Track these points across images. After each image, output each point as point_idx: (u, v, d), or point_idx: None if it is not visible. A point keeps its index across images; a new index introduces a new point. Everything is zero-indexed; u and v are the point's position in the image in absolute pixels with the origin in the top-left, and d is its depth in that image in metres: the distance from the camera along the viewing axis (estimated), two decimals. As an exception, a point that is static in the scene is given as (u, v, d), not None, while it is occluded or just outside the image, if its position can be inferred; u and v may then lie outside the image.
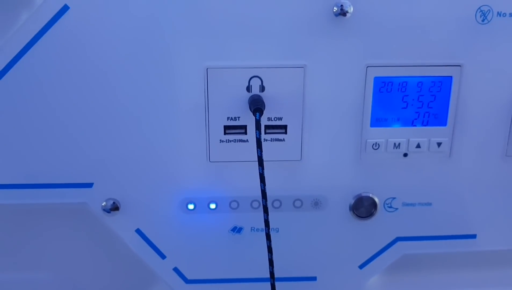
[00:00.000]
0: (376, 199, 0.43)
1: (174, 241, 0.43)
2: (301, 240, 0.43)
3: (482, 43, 0.39)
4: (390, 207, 0.43)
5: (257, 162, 0.38)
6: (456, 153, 0.42)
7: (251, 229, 0.43)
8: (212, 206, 0.42)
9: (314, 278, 0.46)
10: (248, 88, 0.39)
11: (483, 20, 0.39)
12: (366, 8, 0.37)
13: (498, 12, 0.39)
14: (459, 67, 0.40)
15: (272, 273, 0.39)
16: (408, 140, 0.41)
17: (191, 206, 0.42)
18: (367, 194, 0.43)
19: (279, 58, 0.39)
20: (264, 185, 0.37)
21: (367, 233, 0.44)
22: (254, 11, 0.37)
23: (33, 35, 0.37)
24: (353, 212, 0.43)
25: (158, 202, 0.42)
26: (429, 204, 0.44)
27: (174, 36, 0.37)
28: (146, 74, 0.38)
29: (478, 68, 0.40)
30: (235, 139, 0.40)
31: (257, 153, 0.37)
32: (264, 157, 0.37)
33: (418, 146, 0.41)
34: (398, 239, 0.45)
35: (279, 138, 0.41)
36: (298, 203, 0.43)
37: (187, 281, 0.45)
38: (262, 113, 0.37)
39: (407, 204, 0.44)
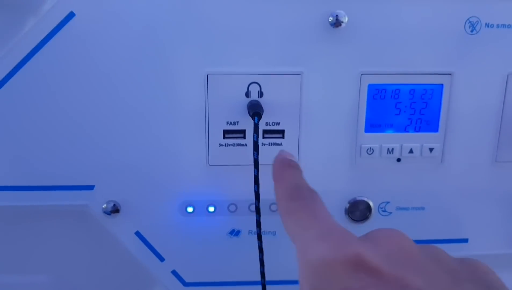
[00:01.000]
0: (371, 203, 0.44)
1: (173, 243, 0.44)
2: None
3: (471, 52, 0.41)
4: (384, 211, 0.45)
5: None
6: (447, 158, 0.43)
7: (249, 232, 0.44)
8: (211, 209, 0.43)
9: (309, 282, 0.46)
10: (247, 94, 0.40)
11: (472, 31, 0.40)
12: (361, 19, 0.39)
13: (486, 23, 0.40)
14: (449, 75, 0.41)
15: (262, 273, 0.39)
16: (401, 146, 0.42)
17: (190, 209, 0.43)
18: (362, 198, 0.44)
19: (277, 65, 0.40)
20: (258, 186, 0.38)
21: (362, 236, 0.45)
22: (254, 20, 0.39)
23: (39, 40, 0.38)
24: (348, 216, 0.44)
25: (157, 205, 0.43)
26: (422, 208, 0.45)
27: (176, 43, 0.39)
28: (149, 80, 0.39)
29: (468, 76, 0.41)
30: (234, 143, 0.41)
31: (254, 155, 0.38)
32: (262, 161, 0.38)
33: (411, 151, 0.43)
34: (392, 242, 0.46)
35: (277, 142, 0.42)
36: (294, 207, 0.44)
37: (185, 283, 0.45)
38: (261, 117, 0.38)
39: (401, 208, 0.45)
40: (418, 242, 0.47)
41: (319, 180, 0.43)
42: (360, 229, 0.44)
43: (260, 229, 0.38)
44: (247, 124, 0.41)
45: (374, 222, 0.44)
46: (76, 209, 0.42)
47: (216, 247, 0.44)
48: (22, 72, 0.39)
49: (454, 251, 0.46)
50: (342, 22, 0.39)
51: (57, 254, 0.45)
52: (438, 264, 0.24)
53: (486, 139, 0.43)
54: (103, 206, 0.42)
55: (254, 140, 0.37)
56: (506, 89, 0.42)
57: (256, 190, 0.36)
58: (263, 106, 0.40)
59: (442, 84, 0.41)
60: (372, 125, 0.42)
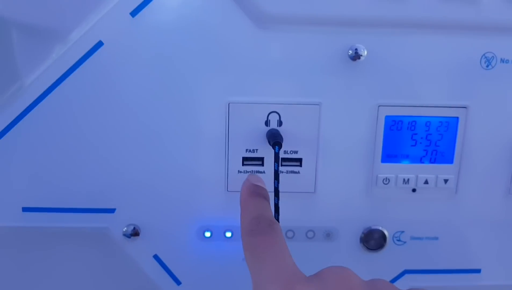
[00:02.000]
0: (386, 232, 0.45)
1: (190, 267, 0.44)
2: (312, 269, 0.44)
3: (487, 87, 0.42)
4: (399, 240, 0.45)
5: (272, 193, 0.39)
6: (462, 189, 0.44)
7: (265, 258, 0.45)
8: (228, 234, 0.44)
9: (323, 308, 0.47)
10: (267, 123, 0.41)
11: (487, 66, 0.41)
12: (379, 52, 0.40)
13: (501, 59, 0.41)
14: (465, 108, 0.42)
15: None
16: (417, 176, 0.43)
17: (207, 234, 0.44)
18: (377, 227, 0.45)
19: (296, 95, 0.41)
20: (278, 215, 0.39)
21: (377, 265, 0.45)
22: (274, 52, 0.40)
23: (68, 67, 0.39)
24: (363, 244, 0.45)
25: (176, 229, 0.43)
26: (436, 238, 0.45)
27: (200, 73, 0.40)
28: (172, 108, 0.41)
29: (483, 110, 0.42)
30: (252, 171, 0.42)
31: (274, 184, 0.38)
32: (280, 189, 0.39)
33: (426, 182, 0.43)
34: (406, 271, 0.46)
35: (294, 170, 0.43)
36: (310, 234, 0.44)
37: (200, 307, 0.46)
38: (281, 146, 0.39)
39: (415, 238, 0.45)
40: (431, 271, 0.48)
41: (335, 208, 0.44)
42: (374, 258, 0.45)
43: None
44: (265, 152, 0.42)
45: (389, 251, 0.45)
46: (97, 232, 0.43)
47: (232, 272, 0.45)
48: (49, 98, 0.40)
49: (467, 281, 0.47)
50: (361, 55, 0.40)
51: (75, 276, 0.45)
52: None
53: (500, 171, 0.44)
54: (124, 229, 0.43)
55: (274, 169, 0.38)
56: (520, 122, 0.43)
57: (277, 218, 0.37)
58: (282, 135, 0.41)
59: (457, 117, 0.42)
60: (389, 156, 0.43)
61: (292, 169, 0.43)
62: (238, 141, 0.42)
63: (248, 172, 0.42)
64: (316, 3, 0.39)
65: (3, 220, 0.42)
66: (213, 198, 0.43)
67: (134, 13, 0.38)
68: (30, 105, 0.40)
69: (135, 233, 0.43)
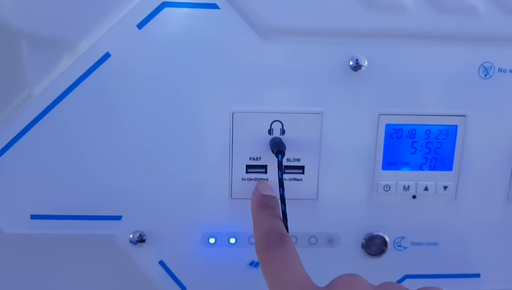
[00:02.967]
0: (387, 238, 0.45)
1: (195, 273, 0.45)
2: (315, 275, 0.45)
3: (485, 96, 0.43)
4: (400, 246, 0.46)
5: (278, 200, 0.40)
6: (461, 196, 0.45)
7: (268, 264, 0.46)
8: (232, 240, 0.45)
9: (325, 313, 0.47)
10: (270, 131, 0.42)
11: (485, 75, 0.42)
12: (379, 63, 0.41)
13: (499, 68, 0.42)
14: (463, 117, 0.43)
15: None
16: (417, 183, 0.44)
17: (212, 240, 0.45)
18: (378, 233, 0.45)
19: (299, 104, 0.42)
20: (286, 221, 0.40)
21: (378, 270, 0.46)
22: (278, 62, 0.41)
23: (76, 78, 0.40)
24: (365, 250, 0.46)
25: (181, 235, 0.44)
26: (436, 243, 0.46)
27: (205, 84, 0.41)
28: (178, 117, 0.41)
29: (481, 118, 0.43)
30: (256, 178, 0.43)
31: (280, 192, 0.39)
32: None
33: (426, 189, 0.44)
34: (407, 276, 0.47)
35: (297, 177, 0.43)
36: (313, 240, 0.45)
37: (205, 312, 0.47)
38: (284, 155, 0.40)
39: (415, 243, 0.46)
40: (431, 276, 0.49)
41: (337, 215, 0.45)
42: (376, 263, 0.46)
43: None
44: (268, 160, 0.43)
45: (390, 257, 0.46)
46: (104, 239, 0.44)
47: (236, 277, 0.46)
48: (58, 108, 0.41)
49: (467, 286, 0.48)
50: (362, 65, 0.41)
51: (82, 282, 0.46)
52: None
53: (499, 178, 0.45)
54: (130, 236, 0.43)
55: (279, 177, 0.39)
56: (518, 130, 0.44)
57: (285, 224, 0.38)
58: (284, 143, 0.42)
59: (456, 125, 0.43)
60: (389, 163, 0.44)
61: (294, 177, 0.43)
62: (242, 149, 0.43)
63: (251, 179, 0.43)
64: (318, 15, 0.40)
65: (12, 227, 0.43)
66: (218, 205, 0.44)
67: (140, 26, 0.39)
68: (39, 115, 0.41)
69: (141, 239, 0.43)
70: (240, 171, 0.43)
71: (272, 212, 0.37)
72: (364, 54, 0.41)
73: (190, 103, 0.41)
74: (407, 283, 0.47)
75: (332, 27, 0.40)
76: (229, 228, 0.45)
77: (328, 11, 0.40)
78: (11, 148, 0.42)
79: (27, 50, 0.41)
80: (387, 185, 0.44)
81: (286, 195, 0.41)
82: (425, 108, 0.43)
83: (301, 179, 0.43)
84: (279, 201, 0.39)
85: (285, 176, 0.43)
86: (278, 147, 0.40)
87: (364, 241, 0.45)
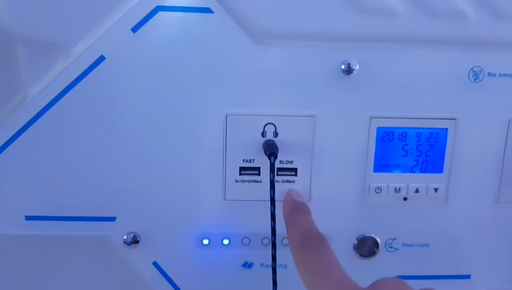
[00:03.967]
0: (378, 239, 0.46)
1: (188, 274, 0.46)
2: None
3: (475, 99, 0.43)
4: (391, 247, 0.46)
5: (268, 201, 0.41)
6: (451, 198, 0.45)
7: (261, 265, 0.46)
8: (225, 241, 0.45)
9: (318, 314, 0.48)
10: (263, 134, 0.43)
11: (475, 79, 0.43)
12: (371, 67, 0.42)
13: (488, 73, 0.43)
14: (454, 120, 0.44)
15: None
16: (408, 185, 0.45)
17: (205, 241, 0.45)
18: (370, 235, 0.46)
19: (291, 107, 0.42)
20: (275, 223, 0.40)
21: (369, 271, 0.47)
22: (271, 66, 0.41)
23: (70, 81, 0.41)
24: (357, 251, 0.46)
25: (175, 237, 0.45)
26: (427, 245, 0.47)
27: (199, 87, 0.41)
28: (172, 120, 0.42)
29: (471, 121, 0.44)
30: (249, 180, 0.44)
31: (270, 193, 0.40)
32: (276, 197, 0.41)
33: (417, 191, 0.45)
34: (398, 277, 0.47)
35: (290, 179, 0.44)
36: (305, 241, 0.46)
37: (198, 313, 0.47)
38: (276, 157, 0.40)
39: (406, 245, 0.46)
40: (422, 277, 0.49)
41: (329, 216, 0.46)
42: (367, 264, 0.47)
43: (276, 263, 0.40)
44: (262, 162, 0.43)
45: (381, 258, 0.46)
46: (98, 240, 0.44)
47: (229, 278, 0.46)
48: (52, 110, 0.41)
49: (458, 287, 0.48)
50: (354, 69, 0.41)
51: (76, 283, 0.46)
52: None
53: (489, 180, 0.45)
54: (124, 237, 0.44)
55: (270, 179, 0.39)
56: (507, 134, 0.44)
57: (273, 226, 0.38)
58: (277, 146, 0.42)
59: (446, 128, 0.44)
60: (380, 166, 0.44)
61: (287, 179, 0.44)
62: (236, 152, 0.43)
63: (245, 181, 0.44)
64: (311, 20, 0.40)
65: (6, 228, 0.43)
66: (211, 206, 0.44)
67: (135, 29, 0.40)
68: (33, 117, 0.41)
69: (135, 241, 0.44)
70: (233, 173, 0.44)
71: (306, 215, 0.37)
72: (355, 58, 0.41)
73: (184, 106, 0.42)
74: (398, 284, 0.47)
75: (324, 32, 0.41)
76: (222, 229, 0.45)
77: (320, 16, 0.40)
78: (5, 150, 0.42)
79: (23, 52, 0.41)
80: (378, 187, 0.45)
81: (279, 197, 0.42)
82: (416, 112, 0.43)
83: (293, 181, 0.44)
84: (270, 203, 0.40)
85: (278, 178, 0.44)
86: (271, 150, 0.41)
87: (356, 243, 0.46)
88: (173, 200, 0.44)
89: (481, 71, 0.43)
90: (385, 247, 0.46)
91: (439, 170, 0.45)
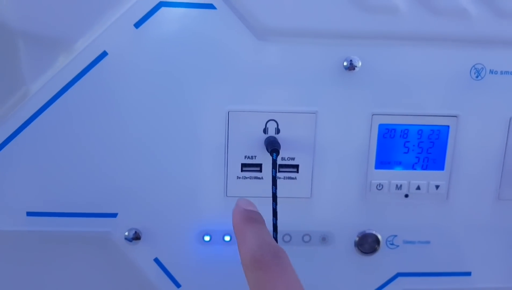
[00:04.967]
0: (379, 236, 0.46)
1: (189, 270, 0.46)
2: (308, 273, 0.46)
3: (476, 97, 0.43)
4: (392, 244, 0.47)
5: (270, 198, 0.40)
6: (453, 195, 0.45)
7: (262, 261, 0.46)
8: (227, 238, 0.45)
9: (319, 310, 0.48)
10: (265, 130, 0.43)
11: (477, 77, 0.43)
12: (373, 64, 0.42)
13: (490, 70, 0.43)
14: (455, 117, 0.44)
15: None
16: (409, 182, 0.45)
17: (207, 238, 0.45)
18: (371, 231, 0.46)
19: (293, 104, 0.43)
20: (276, 219, 0.40)
21: (370, 268, 0.47)
22: (273, 63, 0.41)
23: (72, 76, 0.41)
24: (358, 248, 0.46)
25: (176, 233, 0.45)
26: (428, 242, 0.47)
27: (201, 83, 0.41)
28: (173, 116, 0.42)
29: (473, 119, 0.44)
30: (251, 176, 0.44)
31: (272, 189, 0.40)
32: (277, 194, 0.40)
33: (418, 188, 0.45)
34: (399, 274, 0.47)
35: (291, 176, 0.44)
36: (307, 238, 0.46)
37: (199, 309, 0.47)
38: (278, 153, 0.40)
39: (408, 242, 0.47)
40: (423, 274, 0.49)
41: (331, 213, 0.46)
42: (368, 261, 0.47)
43: None
44: (263, 159, 0.43)
45: (382, 255, 0.46)
46: (99, 236, 0.44)
47: (230, 275, 0.46)
48: (54, 106, 0.41)
49: (458, 284, 0.48)
50: (356, 66, 0.42)
51: (77, 279, 0.46)
52: None
53: (490, 177, 0.45)
54: (125, 233, 0.44)
55: (272, 175, 0.39)
56: (508, 131, 0.44)
57: (275, 222, 0.38)
58: (279, 142, 0.42)
59: (448, 126, 0.44)
60: (382, 162, 0.44)
61: (289, 175, 0.44)
62: (237, 148, 0.43)
63: (247, 178, 0.44)
64: (313, 17, 0.40)
65: (8, 225, 0.43)
66: (213, 203, 0.44)
67: (137, 25, 0.40)
68: (35, 113, 0.41)
69: (136, 237, 0.44)
70: (235, 169, 0.44)
71: (260, 227, 0.32)
72: (358, 55, 0.41)
73: (186, 102, 0.42)
74: (399, 281, 0.47)
75: (326, 28, 0.41)
76: (224, 225, 0.45)
77: (323, 13, 0.40)
78: (7, 146, 0.42)
79: (24, 48, 0.41)
80: (380, 184, 0.45)
81: (281, 194, 0.42)
82: (418, 109, 0.43)
83: (295, 178, 0.44)
84: (272, 200, 0.39)
85: (279, 174, 0.44)
86: (272, 146, 0.41)
87: (357, 239, 0.46)
88: (174, 196, 0.44)
89: (483, 68, 0.43)
90: (386, 244, 0.46)
91: (441, 167, 0.45)
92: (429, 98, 0.43)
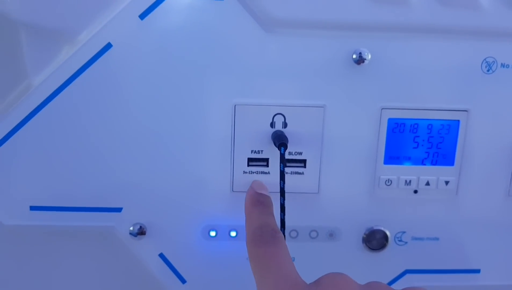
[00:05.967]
0: (388, 233, 0.45)
1: (195, 266, 0.45)
2: (315, 269, 0.45)
3: (487, 91, 0.43)
4: (400, 240, 0.46)
5: (276, 193, 0.40)
6: (462, 191, 0.45)
7: (268, 257, 0.45)
8: (233, 233, 0.45)
9: (325, 307, 0.47)
10: (272, 124, 0.42)
11: (488, 70, 0.42)
12: (382, 57, 0.41)
13: (502, 64, 0.42)
14: (466, 112, 0.43)
15: None
16: (418, 178, 0.44)
17: (213, 233, 0.44)
18: (379, 228, 0.45)
19: (301, 98, 0.42)
20: (284, 214, 0.40)
21: (378, 264, 0.46)
22: (281, 55, 0.41)
23: (77, 69, 0.40)
24: (365, 244, 0.45)
25: (182, 228, 0.44)
26: (437, 239, 0.46)
27: (207, 76, 0.41)
28: (180, 109, 0.41)
29: (484, 113, 0.43)
30: (257, 171, 0.43)
31: (280, 184, 0.39)
32: (284, 189, 0.40)
33: (428, 183, 0.44)
34: (407, 271, 0.47)
35: (299, 171, 0.43)
36: (314, 234, 0.45)
37: (205, 305, 0.47)
38: (286, 148, 0.40)
39: (416, 238, 0.46)
40: (432, 271, 0.49)
41: (338, 209, 0.45)
42: (376, 257, 0.46)
43: None
44: (270, 153, 0.43)
45: (390, 251, 0.46)
46: (104, 231, 0.43)
47: (236, 270, 0.45)
48: (58, 99, 0.40)
49: (467, 281, 0.48)
50: (365, 59, 0.41)
51: (82, 274, 0.46)
52: None
53: (500, 173, 0.45)
54: (130, 228, 0.43)
55: (280, 170, 0.39)
56: (520, 126, 0.44)
57: (282, 217, 0.38)
58: (287, 136, 0.42)
59: (458, 120, 0.43)
60: (391, 158, 0.44)
61: (296, 170, 0.43)
62: (244, 142, 0.42)
63: (253, 173, 0.43)
64: (322, 8, 0.40)
65: (11, 219, 0.43)
66: (219, 198, 0.44)
67: (142, 16, 0.39)
68: (38, 105, 0.41)
69: (141, 232, 0.43)
70: (241, 164, 0.43)
71: (266, 210, 0.37)
72: (367, 48, 0.41)
73: (192, 95, 0.41)
74: (407, 278, 0.47)
75: (335, 20, 0.40)
76: (230, 221, 0.44)
77: (331, 4, 0.40)
78: (10, 139, 0.41)
79: (27, 40, 0.40)
80: (388, 179, 0.44)
81: (288, 189, 0.41)
82: (428, 103, 0.43)
83: (302, 173, 0.43)
84: (280, 195, 0.39)
85: (286, 169, 0.43)
86: (280, 140, 0.40)
87: (365, 236, 0.45)
88: (180, 191, 0.43)
89: (494, 62, 0.42)
90: (395, 240, 0.46)
91: (451, 162, 0.44)
92: (439, 92, 0.42)
